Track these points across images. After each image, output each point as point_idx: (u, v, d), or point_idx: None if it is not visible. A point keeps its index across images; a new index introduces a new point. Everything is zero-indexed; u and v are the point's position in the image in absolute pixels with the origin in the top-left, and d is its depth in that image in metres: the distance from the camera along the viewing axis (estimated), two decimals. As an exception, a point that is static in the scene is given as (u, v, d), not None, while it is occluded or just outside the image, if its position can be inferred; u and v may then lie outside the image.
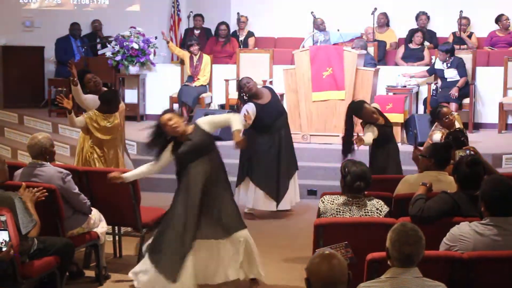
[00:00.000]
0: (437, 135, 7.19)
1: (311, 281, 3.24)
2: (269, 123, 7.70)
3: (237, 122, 5.90)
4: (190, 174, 5.60)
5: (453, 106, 10.23)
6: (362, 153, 7.07)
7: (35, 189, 5.25)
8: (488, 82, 10.75)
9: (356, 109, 7.00)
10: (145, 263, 5.54)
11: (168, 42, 11.72)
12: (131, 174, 5.83)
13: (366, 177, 4.99)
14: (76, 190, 5.70)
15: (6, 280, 4.69)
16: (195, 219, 5.51)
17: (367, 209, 4.93)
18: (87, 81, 7.79)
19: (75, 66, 7.73)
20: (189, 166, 5.62)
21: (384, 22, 12.48)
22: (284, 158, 7.79)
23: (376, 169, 6.71)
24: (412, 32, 11.90)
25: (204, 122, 5.75)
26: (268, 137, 7.74)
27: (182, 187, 5.62)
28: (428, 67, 11.02)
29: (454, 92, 10.18)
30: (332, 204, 4.97)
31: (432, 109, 7.46)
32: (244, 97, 7.72)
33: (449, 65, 10.48)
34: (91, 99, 7.58)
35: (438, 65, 10.59)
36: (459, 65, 10.48)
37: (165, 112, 5.70)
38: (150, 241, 5.64)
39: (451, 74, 10.47)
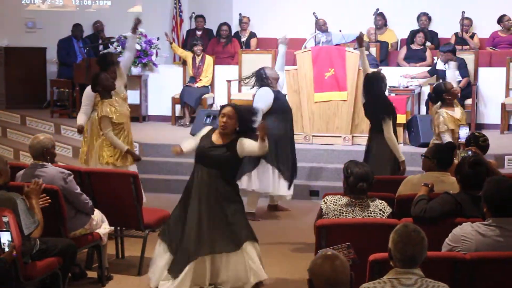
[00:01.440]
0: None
1: (314, 281, 3.24)
2: (286, 108, 7.73)
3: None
4: (195, 179, 5.66)
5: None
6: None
7: (41, 181, 5.25)
8: (490, 83, 10.75)
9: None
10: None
11: (171, 43, 11.75)
12: (187, 147, 5.79)
13: (369, 178, 4.98)
14: (78, 190, 5.70)
15: (8, 281, 4.68)
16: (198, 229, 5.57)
17: (370, 210, 4.93)
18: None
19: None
20: (199, 167, 5.66)
21: (382, 23, 12.44)
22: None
23: (372, 157, 6.72)
24: (413, 33, 11.90)
25: (242, 143, 5.60)
26: (284, 122, 7.71)
27: (187, 190, 5.71)
28: (430, 67, 11.02)
29: (430, 90, 10.21)
30: (335, 205, 4.96)
31: (435, 86, 7.40)
32: (262, 76, 7.76)
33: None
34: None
35: (440, 65, 10.58)
36: (461, 66, 10.46)
37: (231, 106, 5.71)
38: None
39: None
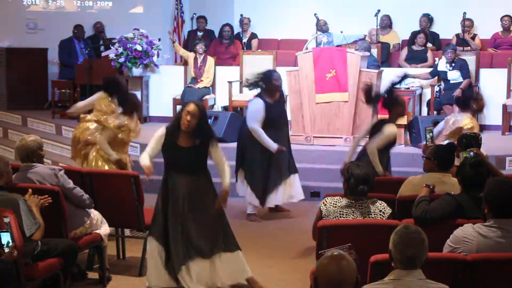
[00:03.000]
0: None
1: (318, 280, 3.23)
2: (275, 120, 7.73)
3: (228, 177, 5.79)
4: (172, 184, 5.71)
5: (456, 108, 10.21)
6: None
7: (39, 197, 5.25)
8: (492, 84, 10.74)
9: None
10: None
11: (174, 42, 11.76)
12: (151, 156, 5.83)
13: (369, 181, 4.98)
14: (71, 184, 5.67)
15: (10, 281, 4.68)
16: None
17: (370, 211, 4.93)
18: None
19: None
20: (173, 173, 5.72)
21: (387, 23, 12.48)
22: (285, 157, 7.82)
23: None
24: (414, 34, 11.90)
25: (214, 146, 5.69)
26: (274, 133, 7.74)
27: (165, 194, 5.73)
28: (431, 69, 11.03)
29: (457, 93, 10.18)
30: (335, 206, 4.96)
31: (466, 91, 7.50)
32: (262, 86, 7.72)
33: (453, 65, 10.48)
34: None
35: (442, 66, 10.58)
36: (463, 67, 10.47)
37: (196, 104, 5.67)
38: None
39: (454, 75, 10.46)
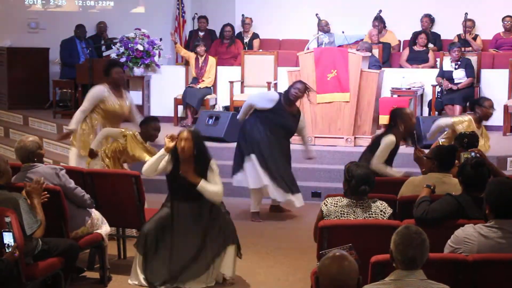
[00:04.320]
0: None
1: (320, 281, 3.23)
2: (276, 125, 7.71)
3: (211, 186, 5.83)
4: (175, 210, 5.84)
5: (457, 108, 10.23)
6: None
7: (42, 179, 5.25)
8: (493, 85, 10.74)
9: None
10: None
11: (175, 43, 11.77)
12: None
13: (370, 181, 4.99)
14: (72, 184, 5.68)
15: (10, 281, 4.69)
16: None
17: (371, 211, 4.93)
18: (115, 72, 7.61)
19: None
20: (177, 201, 5.84)
21: (381, 27, 12.38)
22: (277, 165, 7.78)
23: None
24: (416, 34, 11.90)
25: (210, 171, 5.80)
26: (270, 136, 7.73)
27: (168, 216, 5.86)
28: (432, 69, 11.04)
29: (446, 84, 10.21)
30: (336, 206, 4.96)
31: (477, 98, 7.43)
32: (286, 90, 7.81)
33: (458, 63, 10.47)
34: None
35: (446, 66, 10.57)
36: (468, 66, 10.47)
37: (187, 130, 5.81)
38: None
39: (460, 75, 10.45)
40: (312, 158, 8.25)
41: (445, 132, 7.53)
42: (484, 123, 7.63)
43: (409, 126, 6.65)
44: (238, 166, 7.82)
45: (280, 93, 7.94)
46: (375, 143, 6.72)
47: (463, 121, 7.36)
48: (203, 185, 5.73)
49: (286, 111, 7.73)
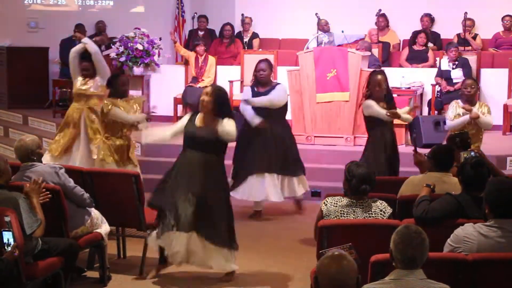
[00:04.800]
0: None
1: (319, 280, 3.23)
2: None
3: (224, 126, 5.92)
4: (182, 159, 5.90)
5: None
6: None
7: (41, 179, 5.25)
8: (493, 84, 10.74)
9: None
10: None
11: (175, 42, 11.77)
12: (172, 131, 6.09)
13: (371, 180, 4.99)
14: (72, 183, 5.69)
15: (10, 280, 4.69)
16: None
17: (371, 211, 4.93)
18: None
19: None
20: (187, 150, 5.90)
21: (384, 24, 12.41)
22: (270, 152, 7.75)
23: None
24: (415, 34, 11.90)
25: (224, 125, 5.84)
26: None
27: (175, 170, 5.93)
28: (432, 68, 11.04)
29: (444, 86, 10.23)
30: (336, 206, 4.96)
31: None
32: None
33: (456, 63, 10.48)
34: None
35: (444, 66, 10.58)
36: (465, 65, 10.47)
37: (212, 85, 6.06)
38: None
39: (458, 74, 10.45)
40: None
41: None
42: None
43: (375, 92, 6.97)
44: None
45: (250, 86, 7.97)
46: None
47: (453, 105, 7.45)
48: (220, 126, 5.81)
49: (261, 92, 7.76)
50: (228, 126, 5.83)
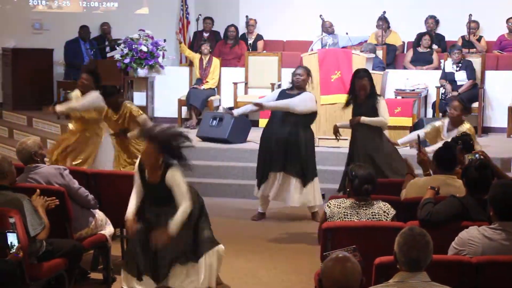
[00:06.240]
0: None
1: (323, 283, 3.23)
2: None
3: (176, 220, 5.23)
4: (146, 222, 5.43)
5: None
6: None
7: (46, 198, 5.25)
8: (497, 86, 10.73)
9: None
10: None
11: (180, 43, 11.79)
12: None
13: (373, 180, 5.00)
14: (76, 184, 5.69)
15: (14, 281, 4.69)
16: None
17: (374, 212, 4.93)
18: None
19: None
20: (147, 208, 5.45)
21: (385, 27, 12.40)
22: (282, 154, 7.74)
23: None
24: (420, 36, 11.89)
25: (174, 178, 5.27)
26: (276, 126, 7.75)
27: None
28: (436, 70, 11.03)
29: (449, 90, 10.23)
30: (339, 207, 4.97)
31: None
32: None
33: (460, 65, 10.47)
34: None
35: (448, 68, 10.57)
36: (468, 68, 10.46)
37: (148, 137, 5.31)
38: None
39: (462, 76, 10.45)
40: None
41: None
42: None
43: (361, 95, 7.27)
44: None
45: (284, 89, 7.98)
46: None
47: (434, 126, 7.44)
48: (174, 227, 5.21)
49: (289, 94, 7.76)
50: (183, 205, 5.23)
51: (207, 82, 11.18)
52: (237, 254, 6.66)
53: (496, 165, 5.88)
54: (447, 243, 4.28)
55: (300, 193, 7.70)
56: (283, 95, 7.78)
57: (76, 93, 7.76)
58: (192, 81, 11.42)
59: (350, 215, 4.92)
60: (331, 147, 9.43)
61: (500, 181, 4.50)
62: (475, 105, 10.35)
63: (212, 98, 11.11)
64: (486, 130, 10.60)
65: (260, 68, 11.15)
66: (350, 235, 4.70)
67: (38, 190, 5.26)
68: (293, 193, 7.69)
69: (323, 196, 8.51)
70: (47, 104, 8.27)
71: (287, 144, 7.68)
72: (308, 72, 7.82)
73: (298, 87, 7.73)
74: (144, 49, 11.05)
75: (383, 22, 12.15)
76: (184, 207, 5.26)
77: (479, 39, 12.07)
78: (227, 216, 8.04)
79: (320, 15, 11.91)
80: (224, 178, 9.20)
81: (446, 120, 7.43)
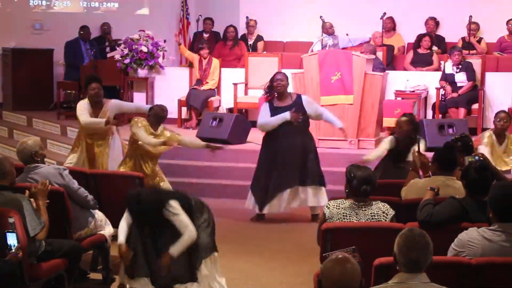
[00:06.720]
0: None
1: (323, 283, 3.23)
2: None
3: (178, 246, 5.13)
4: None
5: (461, 111, 10.22)
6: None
7: (47, 182, 5.25)
8: (497, 88, 10.72)
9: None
10: None
11: (179, 44, 11.78)
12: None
13: (372, 181, 5.00)
14: (76, 184, 5.69)
15: (14, 281, 4.69)
16: None
17: (374, 213, 4.93)
18: (91, 89, 7.76)
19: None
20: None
21: (391, 26, 12.44)
22: (288, 166, 7.76)
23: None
24: (420, 37, 11.90)
25: (174, 214, 5.13)
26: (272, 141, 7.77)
27: None
28: (436, 72, 11.03)
29: (449, 92, 10.24)
30: (338, 208, 4.97)
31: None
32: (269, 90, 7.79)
33: (460, 67, 10.47)
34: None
35: (448, 69, 10.57)
36: (468, 69, 10.46)
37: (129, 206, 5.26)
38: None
39: (462, 78, 10.45)
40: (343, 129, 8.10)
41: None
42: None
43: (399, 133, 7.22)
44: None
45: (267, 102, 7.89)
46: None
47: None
48: (174, 252, 5.12)
49: (281, 107, 7.72)
50: (186, 230, 5.11)
51: (207, 82, 11.18)
52: (237, 255, 6.67)
53: (495, 167, 5.89)
54: (446, 244, 4.28)
55: (318, 193, 7.88)
56: (275, 109, 7.71)
57: (84, 104, 7.78)
58: (192, 81, 11.42)
59: (349, 216, 4.92)
60: (331, 148, 9.45)
61: (500, 183, 4.51)
62: (475, 106, 10.35)
63: (212, 98, 11.11)
64: (486, 132, 10.58)
65: (260, 69, 11.14)
66: (349, 236, 4.69)
67: (41, 181, 5.23)
68: (311, 194, 7.84)
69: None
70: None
71: (303, 155, 7.77)
72: (287, 77, 7.86)
73: (280, 93, 7.72)
74: (144, 49, 11.06)
75: (390, 21, 12.18)
76: (187, 231, 5.12)
77: (479, 41, 12.07)
78: (227, 217, 8.03)
79: (321, 16, 11.90)
80: (224, 179, 9.20)
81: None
